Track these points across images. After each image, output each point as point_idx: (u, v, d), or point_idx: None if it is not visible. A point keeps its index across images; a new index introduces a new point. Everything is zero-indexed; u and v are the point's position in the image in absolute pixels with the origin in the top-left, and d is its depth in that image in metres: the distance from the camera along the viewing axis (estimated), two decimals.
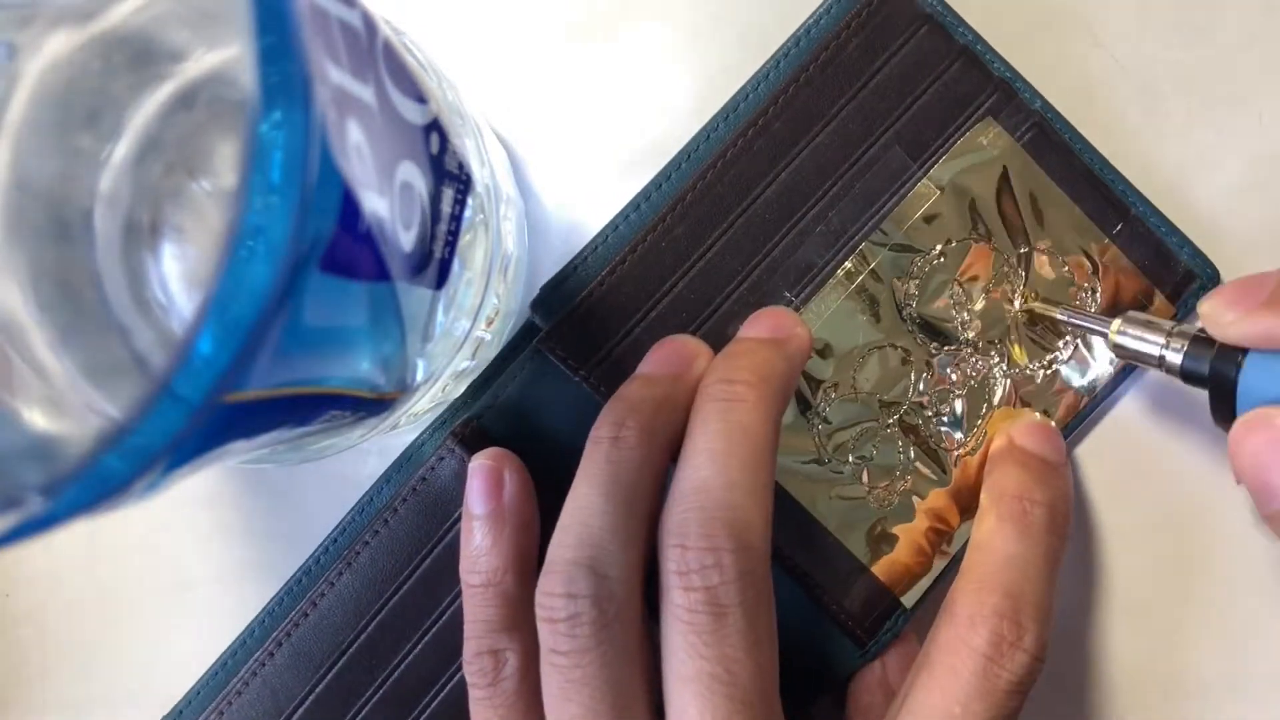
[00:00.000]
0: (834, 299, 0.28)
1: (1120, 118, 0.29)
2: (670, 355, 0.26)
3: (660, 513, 0.24)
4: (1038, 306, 0.28)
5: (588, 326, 0.27)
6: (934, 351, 0.28)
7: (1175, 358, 0.25)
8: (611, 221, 0.28)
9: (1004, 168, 0.28)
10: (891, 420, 0.28)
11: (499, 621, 0.25)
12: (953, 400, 0.28)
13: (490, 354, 0.28)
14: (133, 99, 0.21)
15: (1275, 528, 0.23)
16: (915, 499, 0.28)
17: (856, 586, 0.27)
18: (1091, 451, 0.29)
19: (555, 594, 0.23)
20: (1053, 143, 0.28)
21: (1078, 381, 0.28)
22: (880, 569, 0.27)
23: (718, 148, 0.28)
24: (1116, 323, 0.26)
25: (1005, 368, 0.28)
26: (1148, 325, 0.26)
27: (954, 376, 0.28)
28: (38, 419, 0.19)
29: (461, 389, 0.28)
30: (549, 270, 0.28)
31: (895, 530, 0.28)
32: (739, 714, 0.22)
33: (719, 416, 0.24)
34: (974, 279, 0.28)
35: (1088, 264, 0.28)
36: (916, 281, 0.28)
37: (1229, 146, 0.29)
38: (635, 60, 0.30)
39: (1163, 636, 0.29)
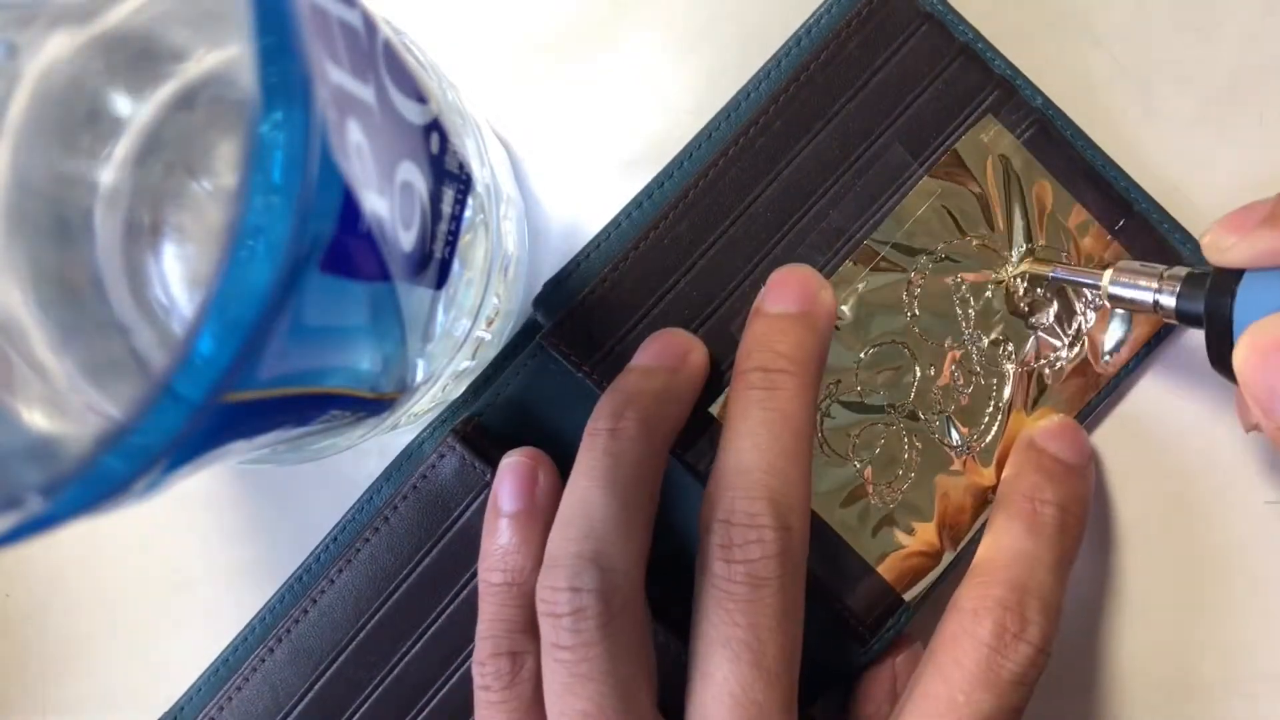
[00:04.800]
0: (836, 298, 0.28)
1: (1120, 117, 0.29)
2: (665, 348, 0.26)
3: (658, 505, 0.24)
4: (1029, 267, 0.28)
5: (590, 323, 0.27)
6: (938, 349, 0.28)
7: (1169, 300, 0.24)
8: (614, 219, 0.28)
9: (1006, 166, 0.28)
10: (896, 418, 0.28)
11: (520, 622, 0.25)
12: (959, 397, 0.28)
13: (490, 354, 0.28)
14: (133, 99, 0.21)
15: None
16: (920, 497, 0.28)
17: (859, 584, 0.27)
18: (1102, 440, 0.29)
19: (559, 588, 0.23)
20: (1054, 140, 0.28)
21: (1084, 375, 0.28)
22: (883, 566, 0.27)
23: (719, 146, 0.28)
24: (1108, 273, 0.26)
25: (1012, 364, 0.28)
26: (1140, 272, 0.25)
27: (959, 373, 0.28)
28: (38, 419, 0.19)
29: (462, 389, 0.28)
30: (549, 270, 0.28)
31: (899, 527, 0.28)
32: (760, 680, 0.23)
33: (759, 404, 0.24)
34: (977, 277, 0.28)
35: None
36: (920, 279, 0.28)
37: (1230, 146, 0.29)
38: (635, 60, 0.30)
39: (1171, 635, 0.29)
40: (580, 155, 0.30)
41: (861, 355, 0.28)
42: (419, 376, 0.22)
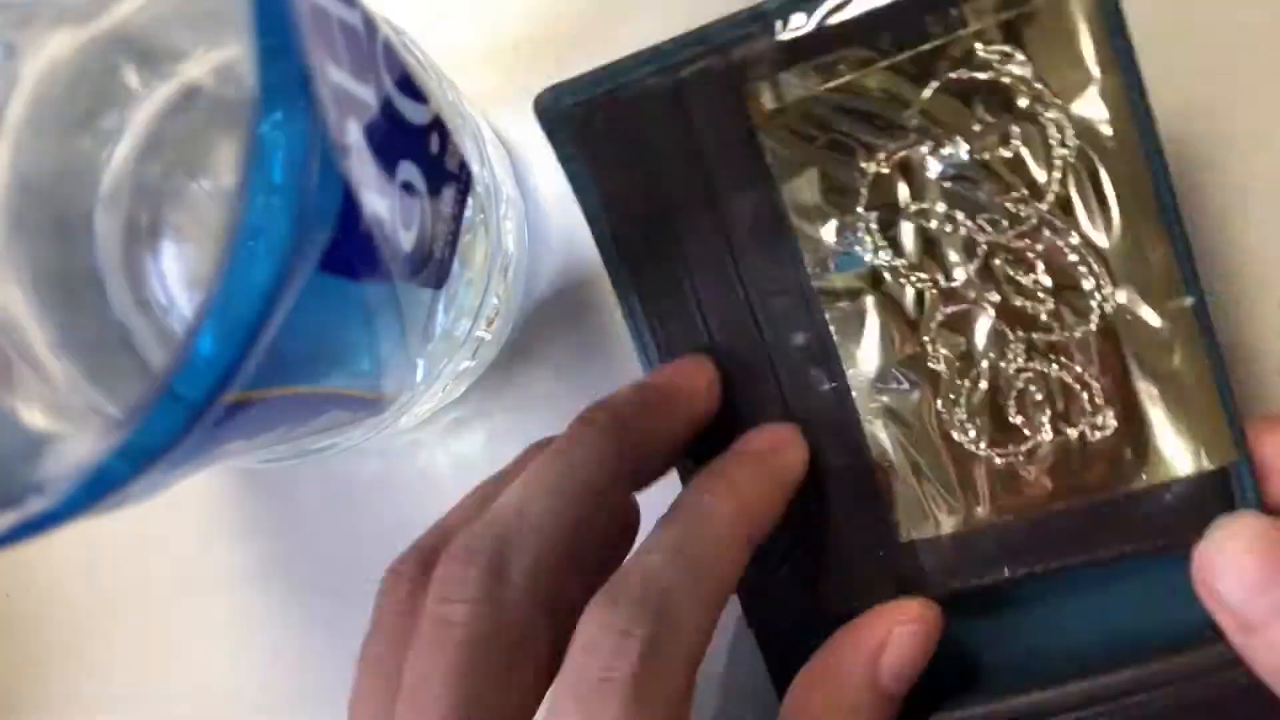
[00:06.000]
0: None
1: None
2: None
3: None
4: None
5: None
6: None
7: None
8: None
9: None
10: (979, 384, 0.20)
11: None
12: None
13: (490, 354, 0.28)
14: (133, 99, 0.21)
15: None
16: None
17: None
18: None
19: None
20: None
21: None
22: None
23: None
24: None
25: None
26: None
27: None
28: (38, 419, 0.19)
29: (462, 389, 0.28)
30: (549, 270, 0.28)
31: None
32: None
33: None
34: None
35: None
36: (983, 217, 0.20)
37: None
38: None
39: None
40: None
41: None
42: (419, 376, 0.22)
